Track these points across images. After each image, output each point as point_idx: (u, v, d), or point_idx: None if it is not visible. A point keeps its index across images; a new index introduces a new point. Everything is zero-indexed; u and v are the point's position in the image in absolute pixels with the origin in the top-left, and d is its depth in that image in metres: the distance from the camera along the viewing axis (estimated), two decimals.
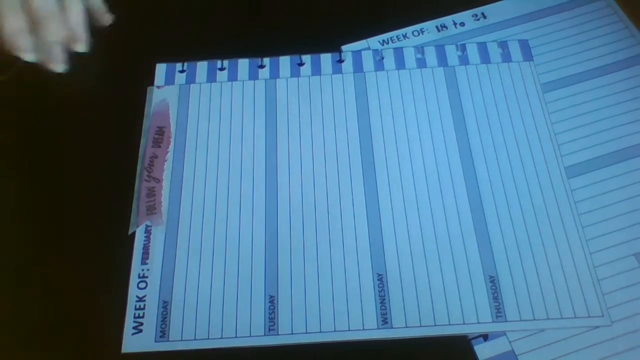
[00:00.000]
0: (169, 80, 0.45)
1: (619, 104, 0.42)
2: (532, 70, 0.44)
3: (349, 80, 0.45)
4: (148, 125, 0.44)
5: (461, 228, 0.39)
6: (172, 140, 0.43)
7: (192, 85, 0.45)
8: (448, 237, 0.39)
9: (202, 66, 0.46)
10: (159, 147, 0.43)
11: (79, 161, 0.43)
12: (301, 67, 0.45)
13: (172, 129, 0.43)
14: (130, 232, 0.40)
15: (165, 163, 0.42)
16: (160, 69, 0.46)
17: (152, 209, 0.40)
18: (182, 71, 0.46)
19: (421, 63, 0.45)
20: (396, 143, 0.42)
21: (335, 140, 0.42)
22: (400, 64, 0.45)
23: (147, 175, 0.42)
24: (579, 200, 0.39)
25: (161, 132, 0.43)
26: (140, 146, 0.43)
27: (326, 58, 0.46)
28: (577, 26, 0.45)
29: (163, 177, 0.42)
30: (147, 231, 0.40)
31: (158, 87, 0.45)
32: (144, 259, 0.39)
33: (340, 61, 0.45)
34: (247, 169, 0.41)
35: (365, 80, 0.45)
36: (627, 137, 0.41)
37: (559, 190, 0.40)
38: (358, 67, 0.45)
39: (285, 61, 0.46)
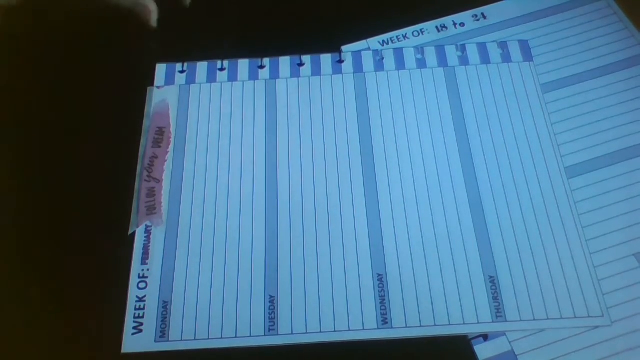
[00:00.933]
0: (169, 80, 0.45)
1: (619, 104, 0.42)
2: (532, 71, 0.44)
3: (349, 80, 0.45)
4: (148, 125, 0.43)
5: (461, 228, 0.39)
6: (172, 140, 0.43)
7: (192, 85, 0.45)
8: (448, 237, 0.39)
9: (202, 66, 0.46)
10: (159, 147, 0.43)
11: (79, 161, 0.43)
12: (301, 68, 0.45)
13: (172, 129, 0.43)
14: (130, 232, 0.40)
15: (165, 163, 0.42)
16: (160, 69, 0.46)
17: (152, 209, 0.40)
18: (182, 71, 0.46)
19: (421, 63, 0.45)
20: (396, 143, 0.42)
21: (335, 140, 0.42)
22: (400, 64, 0.45)
23: (147, 176, 0.41)
24: (579, 200, 0.39)
25: (161, 133, 0.43)
26: (140, 146, 0.43)
27: (326, 58, 0.46)
28: (577, 26, 0.45)
29: (163, 178, 0.41)
30: (147, 231, 0.40)
31: (158, 87, 0.45)
32: (144, 259, 0.39)
33: (340, 61, 0.45)
34: (247, 169, 0.41)
35: (365, 80, 0.44)
36: (627, 137, 0.41)
37: (559, 190, 0.40)
38: (358, 67, 0.45)
39: (285, 61, 0.46)
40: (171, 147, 0.43)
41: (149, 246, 0.39)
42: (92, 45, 0.47)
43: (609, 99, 0.43)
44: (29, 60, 0.47)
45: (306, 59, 0.46)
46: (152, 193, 0.41)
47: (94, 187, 0.42)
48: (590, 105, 0.42)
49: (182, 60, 0.46)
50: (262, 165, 0.42)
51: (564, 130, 0.42)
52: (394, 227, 0.39)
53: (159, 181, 0.41)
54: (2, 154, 0.44)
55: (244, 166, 0.42)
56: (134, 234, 0.40)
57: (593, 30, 0.45)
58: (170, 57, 0.46)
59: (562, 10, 0.46)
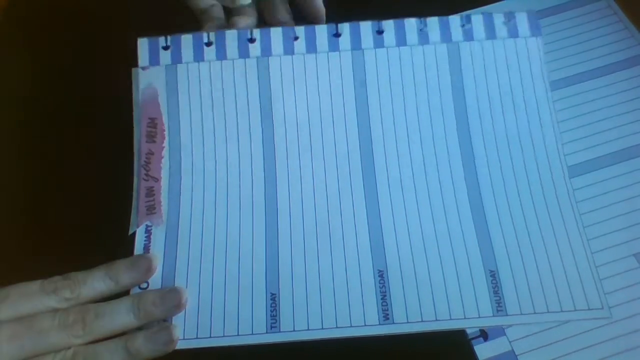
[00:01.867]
0: (154, 59, 0.43)
1: (619, 104, 0.42)
2: (539, 48, 0.42)
3: (346, 59, 0.42)
4: (139, 115, 0.42)
5: (461, 222, 0.39)
6: (166, 135, 0.41)
7: (178, 66, 0.42)
8: (448, 231, 0.38)
9: (187, 41, 0.43)
10: (154, 142, 0.41)
11: (78, 160, 0.43)
12: (295, 42, 0.42)
13: (165, 121, 0.42)
14: (130, 232, 0.40)
15: (162, 160, 0.41)
16: (143, 45, 0.43)
17: (152, 209, 0.40)
18: (166, 47, 0.43)
19: (423, 38, 0.42)
20: (395, 133, 0.41)
21: (333, 131, 0.41)
22: (401, 38, 0.42)
23: (145, 174, 0.41)
24: (579, 200, 0.39)
25: (154, 125, 0.42)
26: (135, 140, 0.41)
27: (321, 31, 0.43)
28: (577, 26, 0.45)
29: (161, 176, 0.41)
30: (147, 231, 0.40)
31: (143, 68, 0.43)
32: None
33: (337, 35, 0.42)
34: (245, 163, 0.41)
35: (364, 59, 0.42)
36: (627, 137, 0.41)
37: (559, 182, 0.39)
38: (356, 42, 0.42)
39: (277, 34, 0.43)
40: (166, 142, 0.41)
41: (149, 246, 0.39)
42: (93, 45, 0.47)
43: (609, 98, 0.43)
44: (28, 61, 0.47)
45: (300, 31, 0.43)
46: (151, 192, 0.40)
47: (94, 187, 0.42)
48: (591, 105, 0.43)
49: (164, 33, 0.43)
50: (259, 157, 0.41)
51: (564, 130, 0.42)
52: (394, 222, 0.39)
53: (157, 180, 0.41)
54: (1, 154, 0.44)
55: (241, 160, 0.41)
56: (134, 234, 0.40)
57: (593, 30, 0.45)
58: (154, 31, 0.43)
59: (562, 10, 0.46)
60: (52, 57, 0.47)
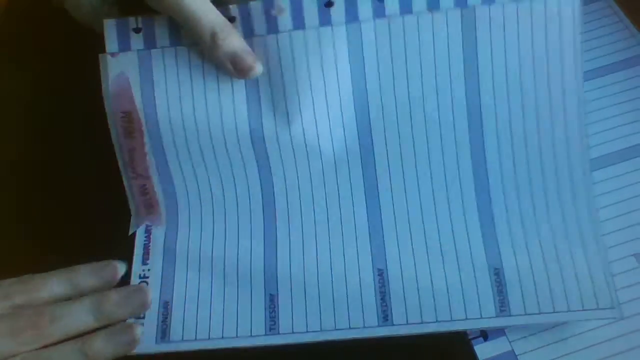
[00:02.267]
0: (124, 44, 0.38)
1: (619, 104, 0.42)
2: (574, 13, 0.35)
3: (340, 35, 0.36)
4: (111, 109, 0.38)
5: (465, 216, 0.37)
6: (144, 130, 0.38)
7: (153, 51, 0.37)
8: (451, 226, 0.37)
9: (160, 22, 0.37)
10: (133, 137, 0.38)
11: (78, 161, 0.43)
12: (279, 17, 0.37)
13: (141, 115, 0.38)
14: (130, 232, 0.40)
15: (147, 157, 0.38)
16: (110, 27, 0.37)
17: (150, 208, 0.40)
18: (137, 30, 0.37)
19: (433, 1, 0.36)
20: (397, 123, 0.38)
21: (329, 123, 0.38)
22: (405, 4, 0.36)
23: (132, 172, 0.39)
24: None
25: (129, 120, 0.38)
26: (112, 136, 0.38)
27: None
28: None
29: (150, 174, 0.39)
30: (147, 231, 0.39)
31: (112, 54, 0.38)
32: (144, 259, 0.39)
33: (329, 4, 0.36)
34: (237, 163, 0.39)
35: (362, 36, 0.36)
36: (627, 137, 0.41)
37: (577, 177, 0.37)
38: (352, 13, 0.36)
39: (257, 8, 0.37)
40: (146, 138, 0.38)
41: (149, 246, 0.39)
42: (94, 45, 0.47)
43: (608, 98, 0.43)
44: (29, 60, 0.47)
45: (284, 0, 0.37)
46: (145, 191, 0.40)
47: (94, 187, 0.42)
48: (590, 105, 0.42)
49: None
50: (251, 156, 0.38)
51: None
52: (394, 218, 0.38)
53: (148, 177, 0.39)
54: (1, 154, 0.44)
55: (232, 159, 0.39)
56: (134, 234, 0.39)
57: (593, 30, 0.45)
58: None
59: None
60: (53, 56, 0.47)
